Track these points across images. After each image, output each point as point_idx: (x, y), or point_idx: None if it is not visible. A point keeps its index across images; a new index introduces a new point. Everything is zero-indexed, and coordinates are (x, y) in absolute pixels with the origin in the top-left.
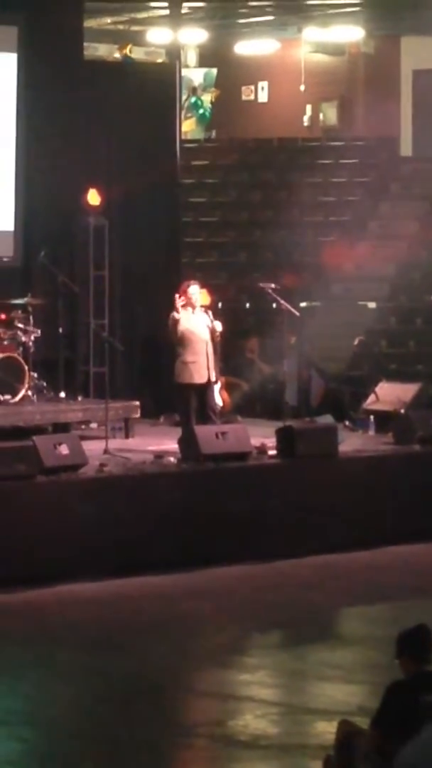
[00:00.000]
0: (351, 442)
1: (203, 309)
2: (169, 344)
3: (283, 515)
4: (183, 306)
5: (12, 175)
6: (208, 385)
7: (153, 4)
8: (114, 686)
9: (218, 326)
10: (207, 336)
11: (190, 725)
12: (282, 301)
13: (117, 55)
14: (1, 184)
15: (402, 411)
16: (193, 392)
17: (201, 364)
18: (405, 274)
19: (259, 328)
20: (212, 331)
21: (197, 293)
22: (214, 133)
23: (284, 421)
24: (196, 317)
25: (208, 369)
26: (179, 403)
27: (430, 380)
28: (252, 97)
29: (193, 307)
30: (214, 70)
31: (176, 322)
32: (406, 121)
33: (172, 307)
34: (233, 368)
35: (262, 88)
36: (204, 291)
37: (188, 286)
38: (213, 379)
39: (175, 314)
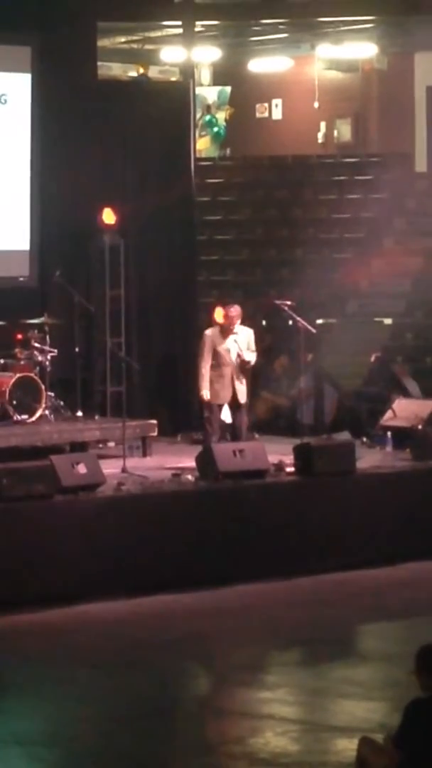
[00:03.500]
0: (368, 459)
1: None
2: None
3: (302, 532)
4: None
5: (27, 194)
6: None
7: (166, 22)
8: (133, 705)
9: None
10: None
11: (211, 744)
12: (298, 319)
13: (134, 73)
14: (16, 204)
15: (419, 427)
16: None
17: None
18: (421, 290)
19: (276, 346)
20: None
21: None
22: (228, 151)
23: (302, 439)
24: (229, 338)
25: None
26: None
27: None
28: (266, 114)
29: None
30: (228, 88)
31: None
32: (421, 136)
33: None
34: (259, 384)
35: (276, 106)
36: (219, 309)
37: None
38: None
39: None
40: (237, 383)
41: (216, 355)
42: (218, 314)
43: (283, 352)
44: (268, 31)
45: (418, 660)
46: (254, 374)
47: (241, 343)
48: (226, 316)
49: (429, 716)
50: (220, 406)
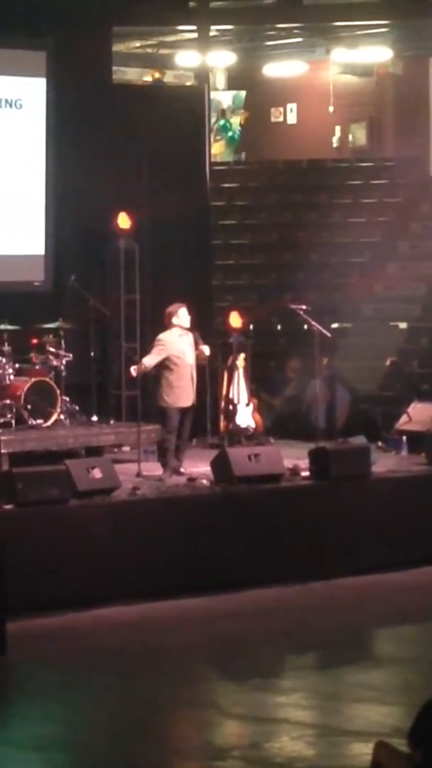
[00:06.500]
0: (384, 463)
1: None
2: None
3: (317, 536)
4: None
5: (42, 199)
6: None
7: (181, 27)
8: (148, 709)
9: (206, 349)
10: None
11: (226, 748)
12: (313, 322)
13: (149, 78)
14: (31, 208)
15: None
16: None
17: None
18: None
19: (291, 350)
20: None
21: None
22: (243, 156)
23: (317, 443)
24: (183, 340)
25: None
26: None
27: None
28: (281, 118)
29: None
30: (243, 93)
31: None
32: None
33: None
34: (267, 388)
35: (291, 110)
36: (235, 313)
37: (178, 308)
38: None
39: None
40: (193, 385)
41: (175, 358)
42: (234, 318)
43: (294, 356)
44: (283, 36)
45: None
46: (264, 378)
47: (191, 344)
48: (167, 317)
49: None
50: (180, 410)
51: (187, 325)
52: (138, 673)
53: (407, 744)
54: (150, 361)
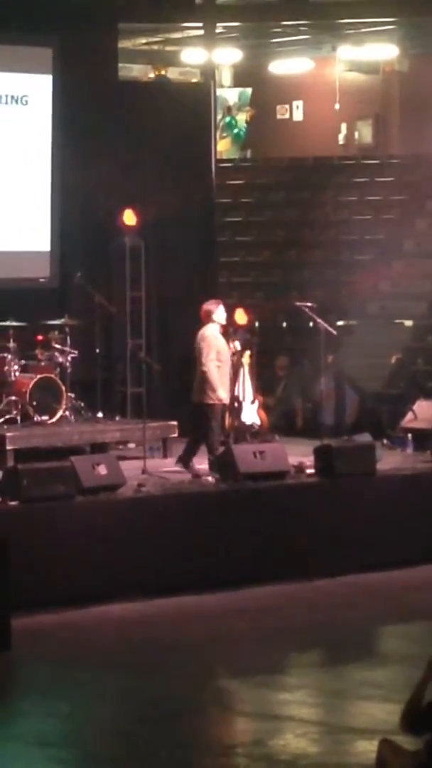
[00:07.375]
0: (389, 461)
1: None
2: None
3: (322, 534)
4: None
5: (48, 196)
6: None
7: (187, 24)
8: (152, 706)
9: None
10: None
11: (230, 745)
12: (319, 320)
13: (152, 75)
14: (37, 205)
15: None
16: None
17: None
18: None
19: (296, 347)
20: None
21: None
22: (249, 153)
23: (322, 440)
24: (221, 336)
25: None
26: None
27: None
28: (287, 116)
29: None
30: (249, 90)
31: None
32: None
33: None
34: (266, 386)
35: (297, 107)
36: (240, 310)
37: (217, 305)
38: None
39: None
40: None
41: (219, 355)
42: (239, 316)
43: (281, 353)
44: (289, 33)
45: None
46: (260, 377)
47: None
48: (206, 314)
49: None
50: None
51: (224, 322)
52: (142, 669)
53: (407, 732)
54: (214, 368)
